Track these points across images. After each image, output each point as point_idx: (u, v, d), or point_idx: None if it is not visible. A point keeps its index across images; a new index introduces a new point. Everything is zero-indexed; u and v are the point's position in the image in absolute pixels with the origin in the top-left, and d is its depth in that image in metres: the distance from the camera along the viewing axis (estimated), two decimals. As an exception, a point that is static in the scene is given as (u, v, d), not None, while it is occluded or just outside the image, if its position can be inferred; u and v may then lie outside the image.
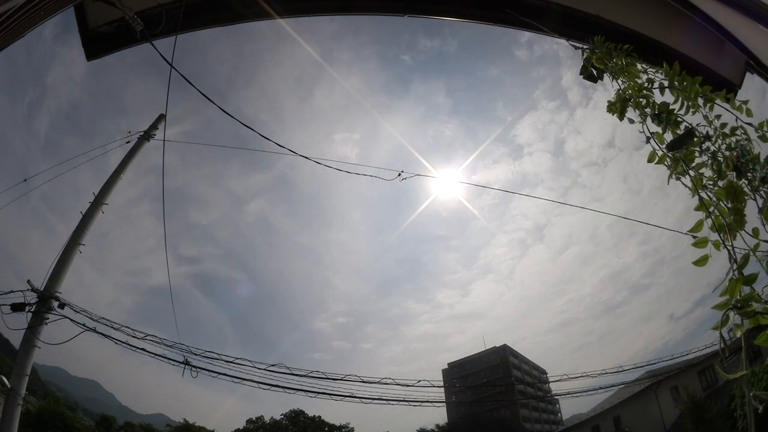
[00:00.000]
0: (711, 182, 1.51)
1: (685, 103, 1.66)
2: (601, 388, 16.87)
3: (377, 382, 11.06)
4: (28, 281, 8.28)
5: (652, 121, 1.71)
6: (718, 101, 1.63)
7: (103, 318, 8.78)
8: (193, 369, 9.18)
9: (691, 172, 1.52)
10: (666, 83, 1.73)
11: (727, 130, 1.62)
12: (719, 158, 1.56)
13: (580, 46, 2.46)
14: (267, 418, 55.93)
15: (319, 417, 57.17)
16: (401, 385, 11.50)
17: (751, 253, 1.22)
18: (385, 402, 11.43)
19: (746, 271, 1.20)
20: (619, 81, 2.00)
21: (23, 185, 11.21)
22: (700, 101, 1.65)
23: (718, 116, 1.66)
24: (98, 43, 4.56)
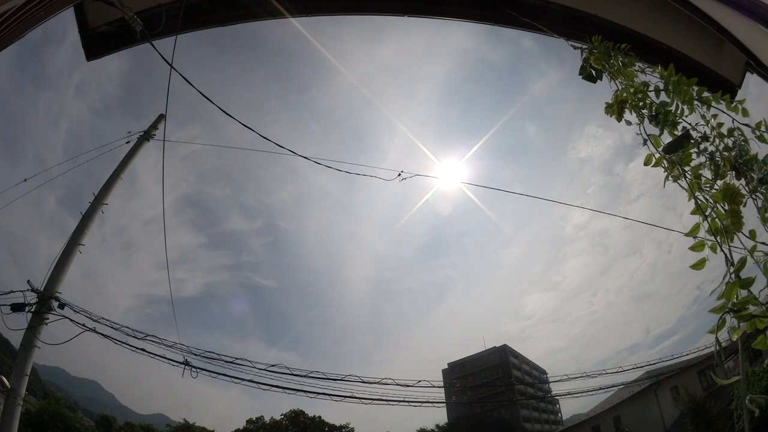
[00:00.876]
0: (708, 185, 1.49)
1: (681, 106, 1.65)
2: (601, 388, 16.86)
3: (377, 383, 11.07)
4: (28, 281, 8.28)
5: (650, 123, 1.70)
6: (714, 103, 1.63)
7: (103, 318, 8.80)
8: (193, 369, 9.19)
9: (688, 175, 1.51)
10: (662, 85, 1.72)
11: (724, 131, 1.61)
12: (717, 159, 1.55)
13: (580, 46, 2.45)
14: (270, 416, 55.92)
15: (319, 417, 57.17)
16: (401, 385, 11.51)
17: (748, 256, 1.21)
18: (385, 402, 11.44)
19: (743, 274, 1.19)
20: (617, 81, 1.99)
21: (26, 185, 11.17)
22: (697, 103, 1.64)
23: (715, 116, 1.65)
24: (98, 43, 4.56)
